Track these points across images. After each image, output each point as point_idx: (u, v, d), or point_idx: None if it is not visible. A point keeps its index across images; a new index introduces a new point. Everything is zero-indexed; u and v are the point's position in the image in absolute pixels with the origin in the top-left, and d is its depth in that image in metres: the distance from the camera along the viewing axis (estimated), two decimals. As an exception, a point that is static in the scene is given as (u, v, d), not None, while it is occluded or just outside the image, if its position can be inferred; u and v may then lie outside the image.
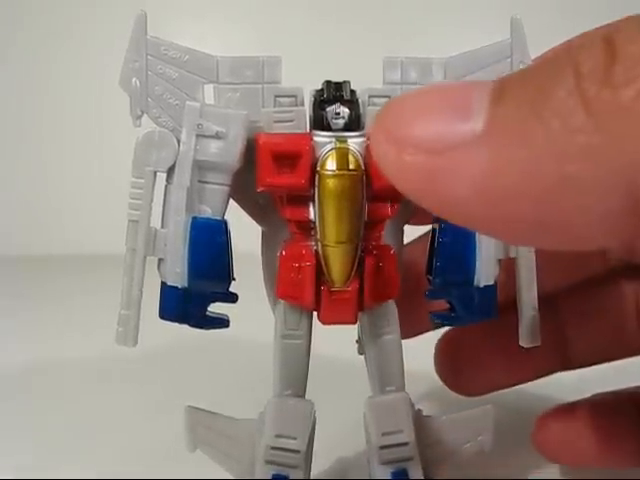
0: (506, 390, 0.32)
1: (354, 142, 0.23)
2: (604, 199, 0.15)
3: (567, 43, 0.18)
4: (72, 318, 0.53)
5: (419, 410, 0.26)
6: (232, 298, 0.24)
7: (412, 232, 0.28)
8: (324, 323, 0.24)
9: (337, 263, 0.23)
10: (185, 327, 0.25)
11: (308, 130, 0.24)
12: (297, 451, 0.24)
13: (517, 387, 0.33)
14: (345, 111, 0.23)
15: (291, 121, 0.24)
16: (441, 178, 0.16)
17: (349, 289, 0.23)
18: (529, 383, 0.32)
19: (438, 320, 0.25)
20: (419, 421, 0.25)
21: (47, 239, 0.72)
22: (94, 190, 0.75)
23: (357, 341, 0.27)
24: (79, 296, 0.58)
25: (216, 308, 0.24)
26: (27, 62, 0.80)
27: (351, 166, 0.23)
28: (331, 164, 0.23)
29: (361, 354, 0.26)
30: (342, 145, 0.23)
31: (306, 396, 0.25)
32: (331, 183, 0.23)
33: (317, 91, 0.24)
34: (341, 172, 0.23)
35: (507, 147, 0.15)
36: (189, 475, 0.29)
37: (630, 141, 0.14)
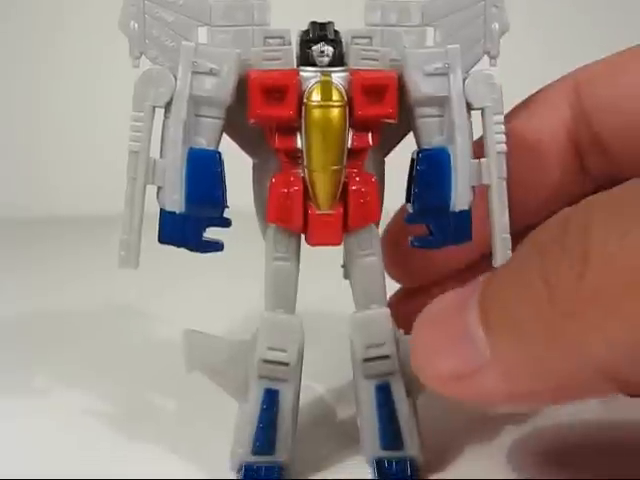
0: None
1: (338, 76, 0.25)
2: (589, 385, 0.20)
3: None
4: (70, 275, 0.55)
5: (400, 330, 0.28)
6: (226, 223, 0.26)
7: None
8: (311, 244, 0.26)
9: (323, 188, 0.25)
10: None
11: (295, 67, 0.25)
12: (287, 364, 0.26)
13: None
14: (329, 49, 0.25)
15: (279, 59, 0.26)
16: (477, 392, 0.22)
17: (334, 212, 0.25)
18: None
19: (417, 243, 0.27)
20: (400, 340, 0.27)
21: (45, 201, 0.72)
22: (90, 154, 0.75)
23: (342, 266, 0.28)
24: (77, 256, 0.59)
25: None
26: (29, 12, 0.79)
27: (335, 97, 0.25)
28: (316, 95, 0.25)
29: (346, 278, 0.28)
30: (326, 78, 0.25)
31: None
32: (317, 113, 0.25)
33: (303, 31, 0.26)
34: (326, 103, 0.25)
35: (514, 365, 0.21)
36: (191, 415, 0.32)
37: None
